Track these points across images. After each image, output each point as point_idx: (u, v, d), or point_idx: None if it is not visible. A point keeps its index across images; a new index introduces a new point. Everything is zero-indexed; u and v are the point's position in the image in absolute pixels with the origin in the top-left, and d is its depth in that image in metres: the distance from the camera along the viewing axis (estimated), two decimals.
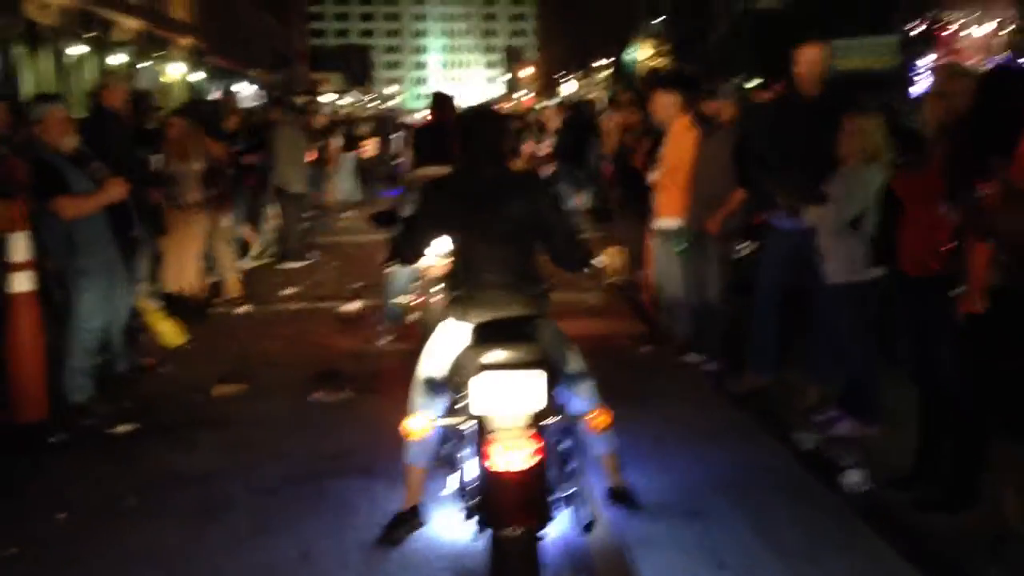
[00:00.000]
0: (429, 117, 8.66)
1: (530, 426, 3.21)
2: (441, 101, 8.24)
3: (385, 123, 21.85)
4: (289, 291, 9.73)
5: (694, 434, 5.18)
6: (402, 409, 3.81)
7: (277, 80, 56.48)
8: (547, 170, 12.99)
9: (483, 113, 4.10)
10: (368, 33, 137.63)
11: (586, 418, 3.62)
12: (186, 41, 39.47)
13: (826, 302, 5.17)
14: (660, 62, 46.83)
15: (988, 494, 3.98)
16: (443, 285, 3.96)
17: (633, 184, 8.40)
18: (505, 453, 3.15)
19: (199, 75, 40.56)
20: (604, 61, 59.65)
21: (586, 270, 3.94)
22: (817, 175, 5.03)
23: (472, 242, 3.65)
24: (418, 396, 3.79)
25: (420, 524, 3.95)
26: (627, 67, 54.52)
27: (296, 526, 4.16)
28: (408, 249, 3.91)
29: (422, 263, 5.13)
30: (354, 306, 8.71)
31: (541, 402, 3.24)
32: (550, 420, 3.35)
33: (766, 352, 5.78)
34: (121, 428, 5.46)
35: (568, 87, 62.87)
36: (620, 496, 4.16)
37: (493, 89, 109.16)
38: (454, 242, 3.75)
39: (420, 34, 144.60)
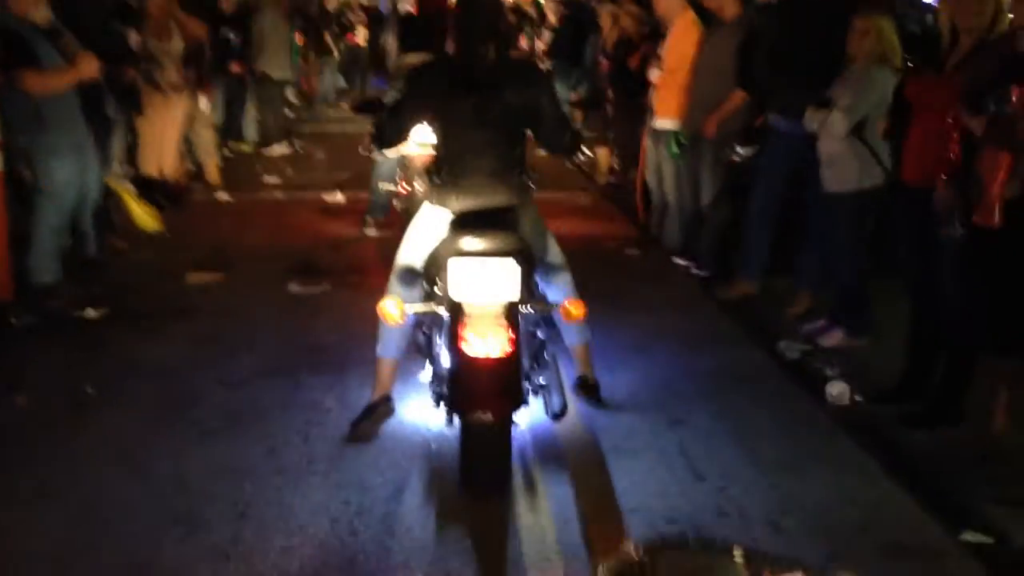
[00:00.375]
0: (415, 6, 8.47)
1: (505, 314, 3.18)
2: None
3: (378, 11, 21.07)
4: (271, 179, 9.47)
5: (679, 340, 5.04)
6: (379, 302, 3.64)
7: None
8: (544, 66, 12.69)
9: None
10: None
11: (560, 307, 3.57)
12: None
13: (822, 210, 4.97)
14: None
15: (974, 412, 3.86)
16: (425, 173, 3.87)
17: (629, 82, 8.12)
18: (479, 339, 3.13)
19: None
20: None
21: (578, 156, 3.95)
22: (823, 77, 4.77)
23: (459, 127, 3.55)
24: (395, 282, 3.71)
25: (390, 413, 3.89)
26: None
27: (264, 421, 4.02)
28: (389, 133, 3.75)
29: (408, 150, 5.14)
30: (337, 196, 8.48)
31: (516, 291, 3.21)
32: (525, 309, 3.34)
33: (757, 259, 5.62)
34: (89, 313, 5.27)
35: None
36: (587, 387, 4.12)
37: None
38: (439, 128, 3.65)
39: None
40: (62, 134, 5.29)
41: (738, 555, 1.28)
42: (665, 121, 6.48)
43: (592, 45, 10.81)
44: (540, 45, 16.06)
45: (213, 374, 4.51)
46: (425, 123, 3.75)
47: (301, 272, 6.10)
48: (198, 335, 5.08)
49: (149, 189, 7.66)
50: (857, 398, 4.30)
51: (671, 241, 6.65)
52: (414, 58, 5.99)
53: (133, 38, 7.65)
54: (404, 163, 6.13)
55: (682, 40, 6.33)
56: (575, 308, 3.52)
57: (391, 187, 6.67)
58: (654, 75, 6.52)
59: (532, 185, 3.68)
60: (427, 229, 3.62)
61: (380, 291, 3.79)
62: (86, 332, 5.09)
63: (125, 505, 3.32)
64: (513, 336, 3.16)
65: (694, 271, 6.25)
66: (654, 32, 7.90)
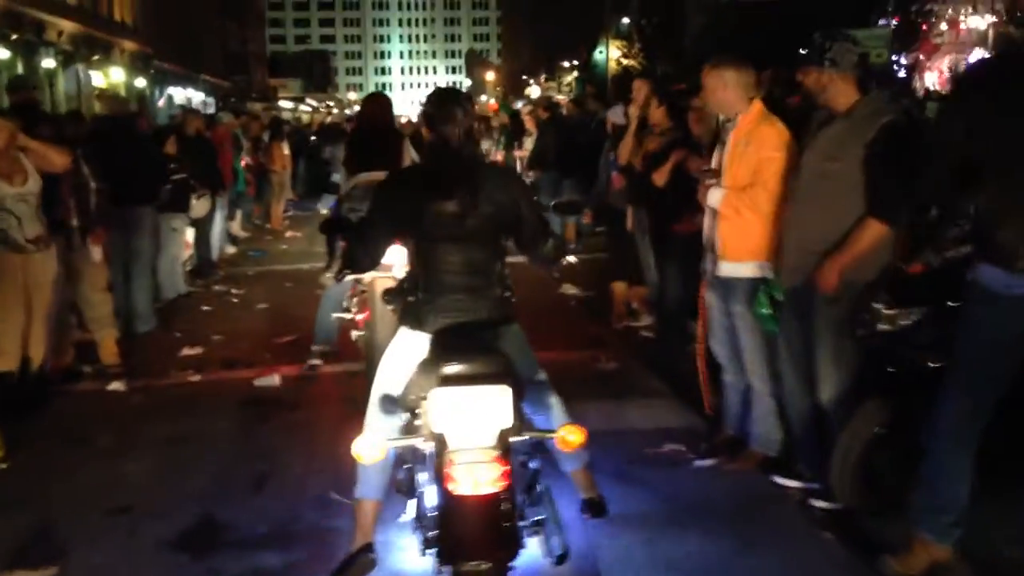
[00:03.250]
0: (356, 122, 7.58)
1: (496, 446, 2.91)
2: (375, 101, 6.79)
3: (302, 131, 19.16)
4: (191, 351, 7.20)
5: None
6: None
7: (229, 86, 54.19)
8: (527, 179, 10.90)
9: (450, 93, 3.62)
10: (329, 39, 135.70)
11: (557, 435, 3.11)
12: (129, 44, 37.29)
13: None
14: (631, 62, 45.27)
15: None
16: (390, 295, 3.60)
17: (659, 202, 6.09)
18: (469, 476, 2.84)
19: (142, 81, 38.33)
20: (569, 63, 57.96)
21: (560, 263, 3.73)
22: None
23: (435, 239, 3.33)
24: (373, 415, 3.47)
25: (373, 564, 3.49)
26: (596, 67, 52.78)
27: None
28: (363, 255, 3.54)
29: (368, 275, 4.91)
30: (274, 379, 6.24)
31: (507, 419, 2.93)
32: (517, 438, 3.03)
33: (952, 501, 3.35)
34: None
35: (533, 91, 60.94)
36: (594, 508, 3.77)
37: None
38: (413, 242, 3.45)
39: (381, 39, 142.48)
40: None
41: None
42: (737, 266, 4.34)
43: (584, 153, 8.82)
44: (519, 154, 14.20)
45: None
46: (396, 241, 3.64)
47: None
48: None
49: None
50: None
51: (765, 444, 4.43)
52: (367, 177, 5.82)
53: None
54: (356, 289, 5.85)
55: (755, 144, 4.27)
56: (574, 434, 3.09)
57: (343, 316, 6.16)
58: (714, 198, 4.40)
59: (512, 299, 3.46)
60: (404, 354, 3.39)
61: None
62: None
63: None
64: (506, 469, 2.87)
65: (817, 505, 4.00)
66: (685, 138, 5.93)
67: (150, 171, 7.42)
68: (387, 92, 8.59)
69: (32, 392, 5.74)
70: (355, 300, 6.09)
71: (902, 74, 35.84)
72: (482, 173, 3.40)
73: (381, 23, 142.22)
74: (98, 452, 5.07)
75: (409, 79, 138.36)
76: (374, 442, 3.03)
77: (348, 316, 6.13)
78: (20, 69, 25.63)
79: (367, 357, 5.46)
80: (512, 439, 2.98)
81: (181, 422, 5.45)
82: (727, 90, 4.34)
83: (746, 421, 4.55)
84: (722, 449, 4.62)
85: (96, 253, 6.49)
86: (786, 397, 4.21)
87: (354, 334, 6.07)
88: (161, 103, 38.84)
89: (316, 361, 6.50)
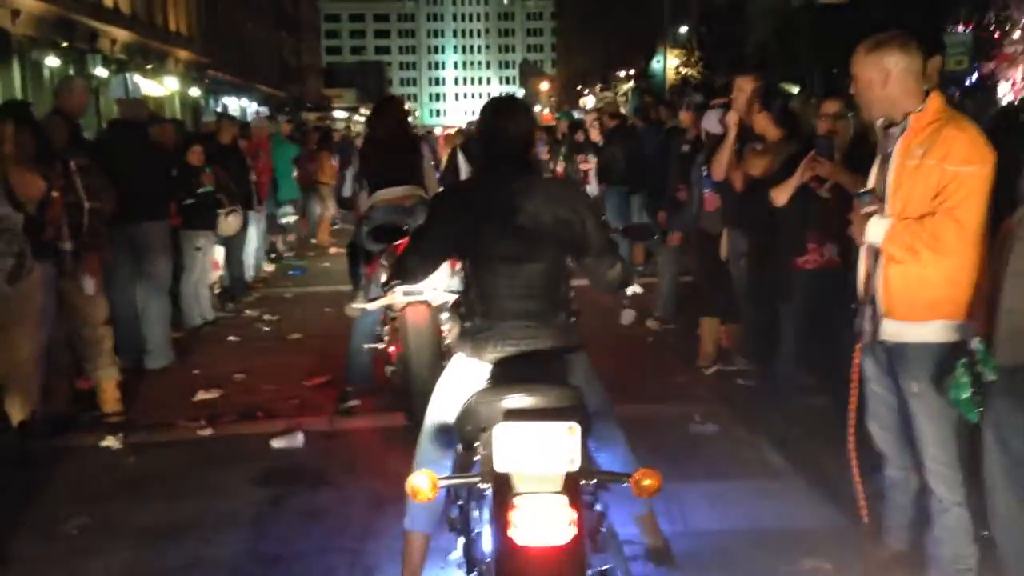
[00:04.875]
0: (368, 133, 6.69)
1: (565, 490, 2.56)
2: (385, 108, 6.23)
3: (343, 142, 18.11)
4: (206, 395, 6.15)
5: None
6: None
7: (284, 96, 54.09)
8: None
9: (508, 101, 3.44)
10: (384, 50, 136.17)
11: (632, 478, 2.68)
12: (184, 54, 37.11)
13: None
14: (690, 71, 43.94)
15: None
16: (448, 317, 3.57)
17: (755, 222, 4.97)
18: (535, 524, 2.51)
19: (196, 91, 38.12)
20: (625, 73, 56.72)
21: (628, 292, 3.43)
22: None
23: (491, 259, 3.11)
24: (425, 448, 3.24)
25: None
26: (654, 76, 51.41)
27: None
28: (415, 262, 3.31)
29: (397, 299, 4.72)
30: (297, 439, 5.15)
31: (577, 460, 2.59)
32: (587, 481, 2.77)
33: None
34: None
35: (588, 100, 59.83)
36: (659, 555, 3.50)
37: None
38: (469, 262, 3.20)
39: (436, 50, 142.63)
40: None
41: None
42: (911, 327, 3.15)
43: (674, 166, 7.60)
44: (584, 167, 13.02)
45: None
46: (449, 260, 3.61)
47: None
48: None
49: None
50: None
51: (950, 573, 3.19)
52: (386, 195, 5.69)
53: None
54: (388, 317, 5.48)
55: (937, 154, 3.08)
56: (650, 479, 2.65)
57: (375, 346, 5.66)
58: (876, 232, 3.19)
59: (577, 323, 3.21)
60: (461, 382, 3.11)
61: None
62: None
63: None
64: (576, 518, 2.52)
65: None
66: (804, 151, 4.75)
67: (161, 183, 6.39)
68: (441, 102, 7.79)
69: (11, 450, 4.75)
70: (386, 329, 5.58)
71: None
72: (544, 187, 3.22)
73: (435, 34, 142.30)
74: (60, 546, 3.99)
75: (463, 89, 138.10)
76: (428, 479, 2.66)
77: (380, 346, 5.65)
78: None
79: (404, 392, 5.06)
80: (583, 482, 2.71)
81: (176, 501, 4.37)
82: (891, 83, 3.16)
83: (919, 535, 3.33)
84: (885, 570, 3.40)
85: (88, 285, 5.48)
86: (995, 522, 2.99)
87: (388, 369, 5.57)
88: (217, 111, 38.63)
89: (353, 402, 5.78)
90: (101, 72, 28.08)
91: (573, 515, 2.54)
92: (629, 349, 7.14)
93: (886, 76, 3.16)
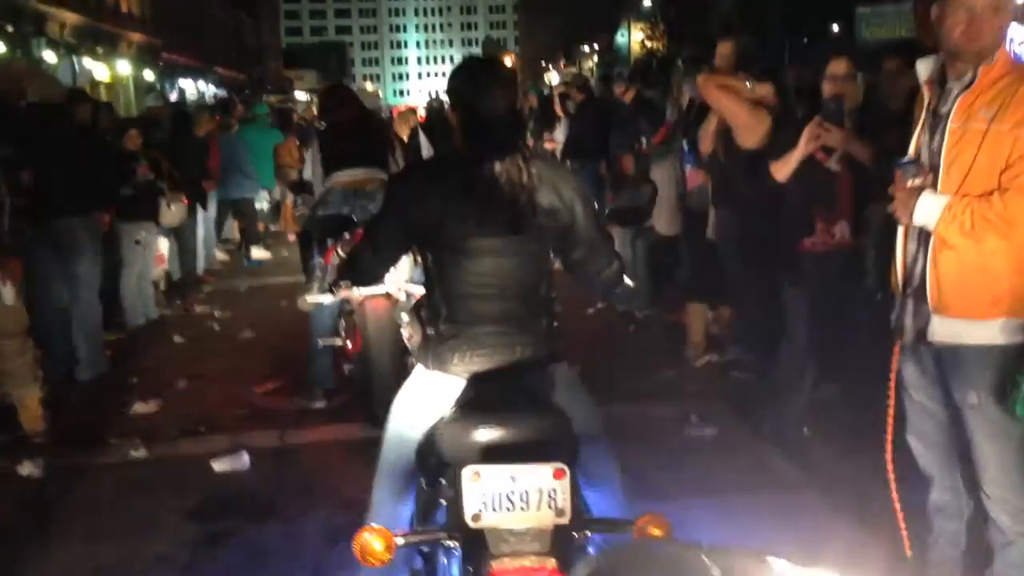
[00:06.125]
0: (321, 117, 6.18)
1: (552, 549, 2.12)
2: (334, 95, 5.95)
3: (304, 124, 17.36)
4: (142, 407, 5.51)
5: None
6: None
7: (243, 78, 52.87)
8: None
9: (485, 63, 2.93)
10: (345, 30, 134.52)
11: (634, 526, 2.18)
12: (137, 36, 35.96)
13: None
14: (655, 44, 43.51)
15: None
16: (407, 319, 2.95)
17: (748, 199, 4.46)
18: None
19: (150, 74, 36.99)
20: (589, 48, 56.11)
21: (617, 291, 2.88)
22: None
23: (460, 254, 2.53)
24: (379, 497, 2.65)
25: None
26: (619, 50, 50.82)
27: None
28: (371, 265, 2.82)
29: (355, 293, 3.56)
30: (242, 458, 4.54)
31: (567, 510, 2.14)
32: (580, 534, 2.25)
33: None
34: None
35: (553, 77, 59.16)
36: None
37: None
38: (433, 254, 2.59)
39: (397, 28, 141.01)
40: None
41: (705, 547, 1.16)
42: (973, 327, 2.61)
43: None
44: (550, 145, 12.46)
45: None
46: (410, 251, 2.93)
47: None
48: None
49: None
50: None
51: None
52: (344, 177, 5.29)
53: None
54: (345, 311, 5.08)
55: (1011, 117, 2.54)
56: (656, 527, 2.15)
57: (335, 342, 5.23)
58: (929, 210, 2.63)
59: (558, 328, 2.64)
60: (422, 404, 2.58)
61: None
62: None
63: None
64: None
65: None
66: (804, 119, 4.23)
67: (84, 173, 5.71)
68: (404, 82, 7.58)
69: None
70: (343, 324, 5.19)
71: None
72: (525, 167, 2.52)
73: (397, 13, 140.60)
74: None
75: (426, 68, 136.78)
76: (381, 539, 2.17)
77: (338, 342, 5.23)
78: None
79: (365, 393, 4.76)
80: (575, 534, 2.23)
81: (97, 544, 3.75)
82: (1002, 13, 2.57)
83: (972, 570, 2.81)
84: None
85: (7, 294, 4.84)
86: None
87: (346, 368, 5.23)
88: (173, 96, 37.55)
89: (318, 404, 5.39)
90: (49, 56, 27.04)
91: None
92: (611, 341, 6.58)
93: (996, 7, 2.54)
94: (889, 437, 2.94)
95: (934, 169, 2.65)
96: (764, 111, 4.82)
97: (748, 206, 4.94)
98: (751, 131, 4.81)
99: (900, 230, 2.78)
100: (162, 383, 5.92)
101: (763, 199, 4.61)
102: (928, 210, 2.60)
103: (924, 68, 2.72)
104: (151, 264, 7.74)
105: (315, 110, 10.53)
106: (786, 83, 5.38)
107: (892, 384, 2.91)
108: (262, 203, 12.29)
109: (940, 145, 2.64)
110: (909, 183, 2.68)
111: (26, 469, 4.56)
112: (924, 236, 2.67)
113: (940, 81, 2.70)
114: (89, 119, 6.75)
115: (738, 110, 4.85)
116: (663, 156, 6.45)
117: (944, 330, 2.65)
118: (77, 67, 27.24)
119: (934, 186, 2.64)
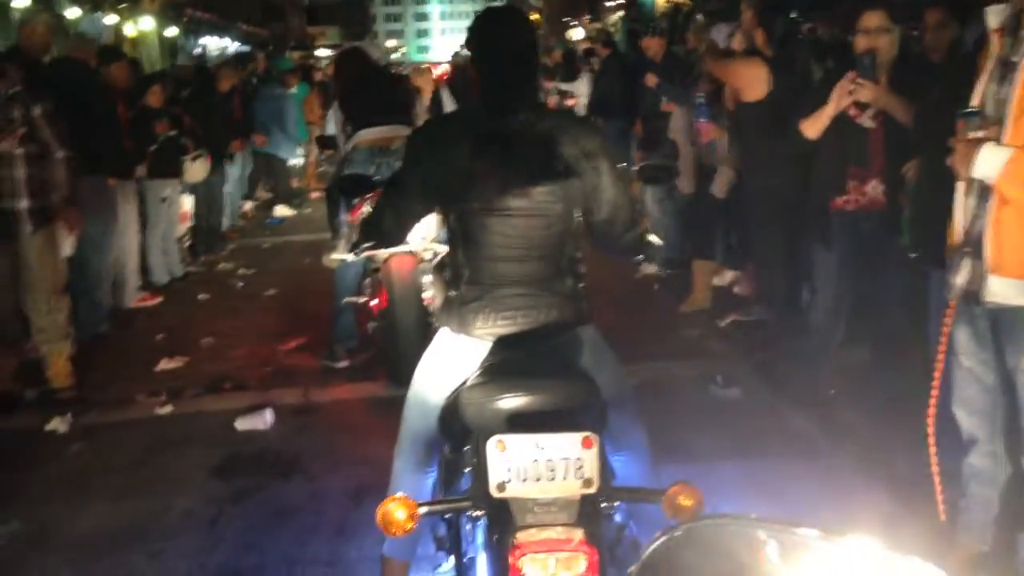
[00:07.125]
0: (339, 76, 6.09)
1: (579, 519, 2.04)
2: (348, 57, 6.02)
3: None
4: (168, 363, 5.54)
5: None
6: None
7: (266, 35, 52.70)
8: None
9: (505, 11, 2.67)
10: None
11: (664, 496, 2.04)
12: None
13: None
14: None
15: None
16: (429, 279, 3.08)
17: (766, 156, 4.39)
18: (544, 571, 1.97)
19: (173, 30, 36.89)
20: (613, 3, 55.32)
21: (639, 257, 2.79)
22: None
23: (483, 213, 2.44)
24: (402, 466, 2.63)
25: None
26: (644, 5, 50.09)
27: None
28: (390, 222, 2.69)
29: (384, 250, 4.01)
30: (265, 416, 4.56)
31: (595, 480, 2.05)
32: (609, 503, 2.15)
33: None
34: None
35: (576, 33, 58.46)
36: None
37: None
38: (456, 212, 2.50)
39: None
40: None
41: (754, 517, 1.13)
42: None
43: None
44: (571, 102, 12.33)
45: None
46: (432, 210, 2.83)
47: None
48: None
49: None
50: None
51: None
52: (369, 136, 5.24)
53: None
54: (370, 269, 4.98)
55: None
56: (688, 498, 2.03)
57: (359, 300, 5.19)
58: (991, 163, 2.52)
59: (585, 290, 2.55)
60: (445, 368, 2.52)
61: None
62: None
63: None
64: (595, 557, 1.97)
65: None
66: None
67: (100, 131, 5.69)
68: (427, 38, 7.74)
69: None
70: (368, 281, 5.14)
71: None
72: (550, 121, 2.49)
73: None
74: None
75: (449, 24, 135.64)
76: (404, 508, 2.08)
77: (362, 299, 5.20)
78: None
79: (388, 350, 4.73)
80: (603, 504, 2.15)
81: (123, 501, 3.78)
82: None
83: (1007, 533, 2.76)
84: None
85: (68, 244, 4.89)
86: None
87: (370, 325, 5.15)
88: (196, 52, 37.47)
89: (341, 363, 5.37)
90: (72, 12, 26.99)
91: (591, 557, 2.02)
92: (634, 299, 6.54)
93: None
94: (933, 401, 2.87)
95: (1000, 120, 2.54)
96: (758, 60, 4.83)
97: (765, 163, 4.88)
98: (751, 84, 4.83)
99: (960, 185, 2.68)
100: (188, 340, 5.95)
101: (780, 157, 4.55)
102: (990, 163, 2.50)
103: (995, 16, 2.60)
104: (175, 222, 7.75)
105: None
106: (776, 32, 5.28)
107: (943, 346, 2.83)
108: (298, 159, 12.34)
109: (1008, 95, 2.52)
110: (971, 135, 2.58)
111: (53, 425, 4.61)
112: (985, 192, 2.58)
113: (1012, 29, 2.58)
114: (123, 78, 6.70)
115: (733, 68, 4.99)
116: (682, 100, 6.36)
117: (1001, 291, 2.56)
118: (100, 23, 27.17)
119: (998, 139, 2.54)
